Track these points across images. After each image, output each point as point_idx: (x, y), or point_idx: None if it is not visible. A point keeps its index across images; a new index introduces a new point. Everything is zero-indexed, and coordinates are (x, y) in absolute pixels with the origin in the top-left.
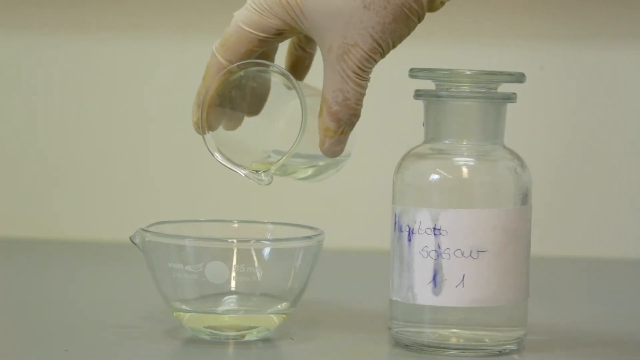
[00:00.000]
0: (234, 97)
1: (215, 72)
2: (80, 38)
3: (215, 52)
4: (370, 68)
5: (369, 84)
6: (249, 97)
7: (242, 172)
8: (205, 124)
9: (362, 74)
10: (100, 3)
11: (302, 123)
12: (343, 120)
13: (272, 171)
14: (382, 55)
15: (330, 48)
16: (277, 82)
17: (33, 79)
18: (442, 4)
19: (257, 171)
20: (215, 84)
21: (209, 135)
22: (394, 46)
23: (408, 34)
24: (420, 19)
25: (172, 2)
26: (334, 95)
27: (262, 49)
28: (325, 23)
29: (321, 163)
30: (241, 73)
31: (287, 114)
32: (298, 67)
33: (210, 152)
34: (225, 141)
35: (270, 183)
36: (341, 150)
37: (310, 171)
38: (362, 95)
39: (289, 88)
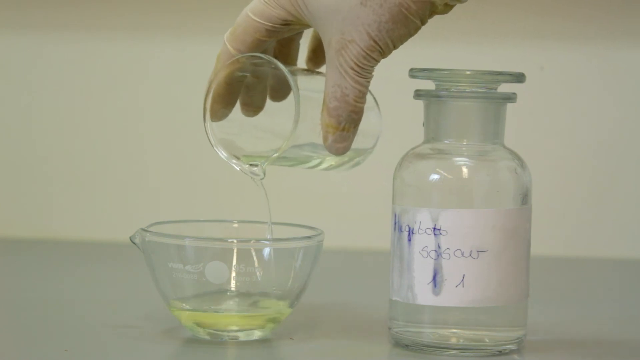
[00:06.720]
0: (248, 86)
1: (224, 60)
2: (79, 38)
3: (225, 41)
4: (369, 66)
5: (371, 82)
6: (260, 89)
7: (236, 166)
8: (208, 112)
9: (361, 71)
10: (99, 3)
11: (295, 115)
12: (342, 117)
13: (264, 165)
14: (382, 54)
15: (330, 42)
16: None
17: (33, 78)
18: (449, 6)
19: (252, 164)
20: (222, 73)
21: (211, 124)
22: (394, 47)
23: (409, 35)
24: (423, 20)
25: (173, 2)
26: (333, 91)
27: (271, 39)
28: (326, 16)
29: (328, 157)
30: (248, 64)
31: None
32: (319, 52)
33: (210, 142)
34: (232, 132)
35: (263, 178)
36: (346, 148)
37: (322, 164)
38: (362, 92)
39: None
